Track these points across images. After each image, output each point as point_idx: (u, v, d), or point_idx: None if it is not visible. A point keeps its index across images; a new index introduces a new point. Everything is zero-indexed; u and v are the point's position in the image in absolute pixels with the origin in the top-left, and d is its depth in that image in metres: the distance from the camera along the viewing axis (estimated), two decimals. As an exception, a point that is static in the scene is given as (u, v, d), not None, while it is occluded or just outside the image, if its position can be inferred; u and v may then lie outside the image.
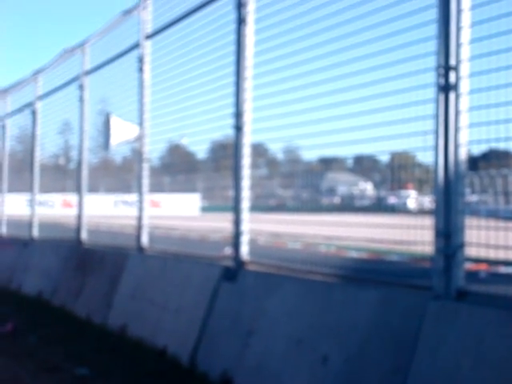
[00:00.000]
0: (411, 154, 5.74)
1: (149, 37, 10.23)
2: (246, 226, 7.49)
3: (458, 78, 4.95)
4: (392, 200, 6.45)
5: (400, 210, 6.20)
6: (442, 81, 4.99)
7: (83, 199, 12.78)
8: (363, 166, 6.53)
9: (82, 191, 12.77)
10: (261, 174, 8.27)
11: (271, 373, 6.17)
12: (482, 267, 5.93)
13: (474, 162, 5.68)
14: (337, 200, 7.48)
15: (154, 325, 8.50)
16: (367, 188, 7.11)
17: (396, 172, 6.19)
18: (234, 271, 7.40)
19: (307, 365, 5.81)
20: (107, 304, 9.98)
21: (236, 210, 7.54)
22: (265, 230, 7.56)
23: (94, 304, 10.44)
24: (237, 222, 7.51)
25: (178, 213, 10.90)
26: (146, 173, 10.11)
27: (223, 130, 8.18)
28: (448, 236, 4.93)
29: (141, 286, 9.37)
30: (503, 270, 5.74)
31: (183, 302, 8.13)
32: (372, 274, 5.82)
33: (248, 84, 7.50)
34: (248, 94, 7.49)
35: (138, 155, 10.25)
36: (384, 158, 6.28)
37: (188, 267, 8.50)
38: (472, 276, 5.14)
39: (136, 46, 10.50)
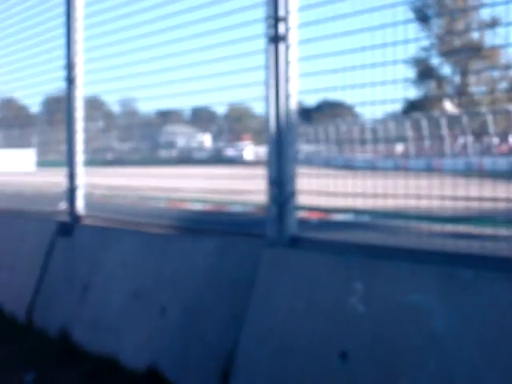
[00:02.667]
0: (247, 106, 5.77)
1: (-25, -16, 9.70)
2: (80, 180, 7.35)
3: (287, 29, 4.99)
4: (229, 152, 6.48)
5: (237, 161, 6.24)
6: (272, 31, 5.02)
7: None
8: (201, 118, 6.50)
9: None
10: (97, 128, 8.09)
11: (109, 326, 6.13)
12: (315, 215, 6.08)
13: (308, 113, 5.78)
14: (175, 153, 7.44)
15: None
16: (205, 140, 7.11)
17: (232, 124, 6.21)
18: (69, 226, 7.27)
19: (145, 317, 5.80)
20: None
21: (70, 164, 7.38)
22: (101, 184, 7.44)
23: None
24: (71, 177, 7.35)
25: (12, 169, 10.51)
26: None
27: (56, 83, 7.93)
28: (280, 185, 5.00)
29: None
30: (334, 217, 5.91)
31: (18, 259, 7.93)
32: (209, 225, 5.85)
33: (79, 36, 7.29)
34: (79, 46, 7.29)
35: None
36: (221, 110, 6.30)
37: (22, 223, 8.28)
38: (304, 224, 5.25)
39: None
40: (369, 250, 4.48)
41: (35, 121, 9.34)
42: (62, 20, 7.47)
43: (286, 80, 4.98)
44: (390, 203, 4.47)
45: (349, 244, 4.66)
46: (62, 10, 7.47)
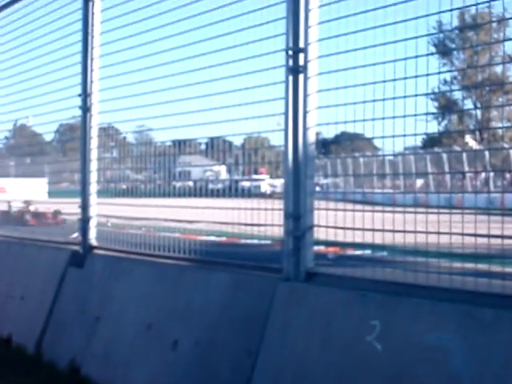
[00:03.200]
0: (263, 137, 5.71)
1: (-11, 14, 9.74)
2: (93, 211, 7.29)
3: (306, 61, 4.93)
4: (245, 184, 6.40)
5: (254, 193, 6.16)
6: (291, 63, 4.97)
7: None
8: (216, 149, 6.42)
9: None
10: (111, 157, 8.04)
11: (120, 360, 6.05)
12: (332, 250, 6.00)
13: (326, 145, 5.72)
14: (190, 184, 7.36)
15: (-1, 313, 8.15)
16: (221, 171, 7.04)
17: (249, 155, 6.14)
18: (81, 256, 7.20)
19: (157, 350, 5.71)
20: None
21: (83, 194, 7.32)
22: (114, 215, 7.37)
23: None
24: (84, 207, 7.30)
25: (25, 198, 10.48)
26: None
27: (71, 111, 7.91)
28: (297, 218, 4.93)
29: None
30: (351, 251, 5.82)
31: (29, 289, 7.87)
32: (224, 258, 5.76)
33: (95, 64, 7.26)
34: (96, 75, 7.26)
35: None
36: (237, 142, 6.24)
37: (34, 253, 8.22)
38: (321, 258, 5.17)
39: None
40: (387, 287, 4.38)
41: (48, 149, 9.30)
42: (78, 48, 7.47)
43: (305, 112, 4.91)
44: (409, 239, 4.38)
45: (366, 280, 4.57)
46: (78, 37, 7.46)
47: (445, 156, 4.85)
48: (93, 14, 7.25)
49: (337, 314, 4.48)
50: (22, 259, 8.38)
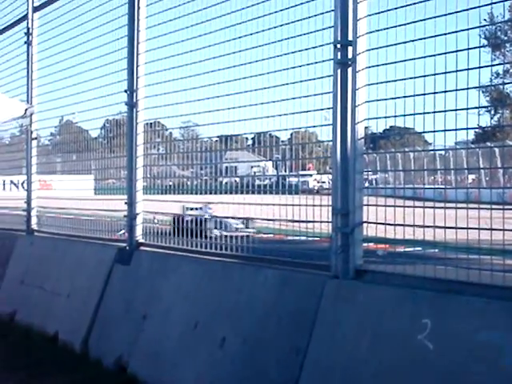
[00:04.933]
0: (311, 132, 5.64)
1: (37, 8, 9.85)
2: (140, 208, 7.28)
3: (355, 54, 4.84)
4: (293, 179, 6.33)
5: (301, 189, 6.09)
6: (340, 56, 4.88)
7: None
8: (263, 144, 6.35)
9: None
10: (157, 154, 8.01)
11: (167, 358, 6.03)
12: (382, 246, 5.91)
13: (375, 140, 5.62)
14: (237, 180, 7.30)
15: (45, 311, 8.21)
16: (268, 167, 6.97)
17: (296, 150, 6.07)
18: (128, 253, 7.20)
19: (204, 348, 5.68)
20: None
21: (130, 191, 7.32)
22: (160, 212, 7.37)
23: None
24: (130, 204, 7.29)
25: (71, 194, 10.54)
26: (34, 152, 9.79)
27: (117, 107, 7.91)
28: (345, 214, 4.85)
29: (31, 270, 9.08)
30: (401, 248, 5.73)
31: (75, 286, 7.90)
32: (271, 254, 5.69)
33: (141, 60, 7.25)
34: (141, 70, 7.24)
35: (25, 133, 9.91)
36: (284, 137, 6.18)
37: (80, 250, 8.27)
38: (370, 254, 5.09)
39: (24, 18, 10.13)
40: (438, 284, 4.30)
41: (94, 145, 9.32)
42: (124, 43, 7.48)
43: (353, 106, 4.83)
44: (460, 235, 4.28)
45: (417, 277, 4.49)
46: (124, 32, 7.47)
47: (497, 151, 4.73)
48: (138, 8, 7.23)
49: (387, 312, 4.40)
50: (68, 256, 8.42)
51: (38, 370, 6.68)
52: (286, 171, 6.46)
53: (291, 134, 6.02)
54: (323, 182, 6.00)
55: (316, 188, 6.02)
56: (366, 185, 5.14)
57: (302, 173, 6.17)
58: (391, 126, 5.03)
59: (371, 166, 5.34)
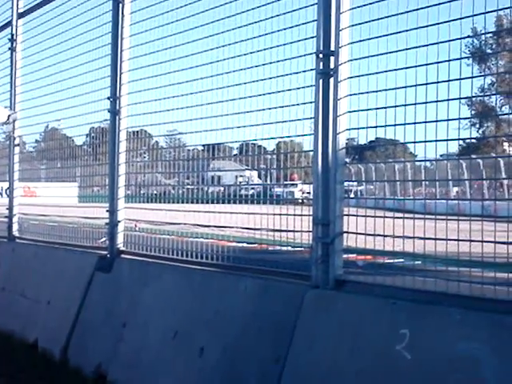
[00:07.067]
0: (297, 142, 5.63)
1: (21, 15, 9.88)
2: (121, 216, 7.26)
3: (337, 64, 4.84)
4: (278, 189, 6.32)
5: (286, 199, 6.08)
6: (322, 66, 4.88)
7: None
8: (248, 154, 6.33)
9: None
10: (142, 162, 7.99)
11: (146, 367, 6.00)
12: (362, 257, 5.92)
13: (361, 151, 5.62)
14: (221, 189, 7.29)
15: (26, 318, 8.18)
16: (253, 177, 6.95)
17: (280, 160, 6.06)
18: (109, 261, 7.18)
19: (183, 357, 5.66)
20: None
21: (112, 199, 7.30)
22: (143, 219, 7.35)
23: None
24: (112, 212, 7.27)
25: (55, 202, 10.48)
26: (16, 158, 9.77)
27: (102, 114, 7.88)
28: (326, 225, 4.85)
29: (12, 276, 9.04)
30: (381, 259, 5.73)
31: (56, 294, 7.87)
32: (252, 264, 5.68)
33: (125, 67, 7.24)
34: (125, 78, 7.23)
35: (8, 140, 9.88)
36: (270, 147, 6.17)
37: (61, 257, 8.24)
38: (350, 265, 5.09)
39: (8, 24, 10.14)
40: (417, 295, 4.30)
41: (79, 153, 9.28)
42: (107, 50, 7.49)
43: (335, 116, 4.83)
44: (440, 247, 4.29)
45: (396, 288, 4.49)
46: (108, 40, 7.48)
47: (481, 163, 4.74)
48: (122, 15, 7.23)
49: (366, 322, 4.40)
50: (49, 263, 8.38)
51: (18, 378, 6.64)
52: (270, 181, 6.44)
53: (276, 144, 6.02)
54: (308, 193, 5.98)
55: (301, 198, 6.01)
56: (351, 196, 5.14)
57: (286, 183, 6.16)
58: (377, 138, 5.03)
59: (356, 177, 5.35)
